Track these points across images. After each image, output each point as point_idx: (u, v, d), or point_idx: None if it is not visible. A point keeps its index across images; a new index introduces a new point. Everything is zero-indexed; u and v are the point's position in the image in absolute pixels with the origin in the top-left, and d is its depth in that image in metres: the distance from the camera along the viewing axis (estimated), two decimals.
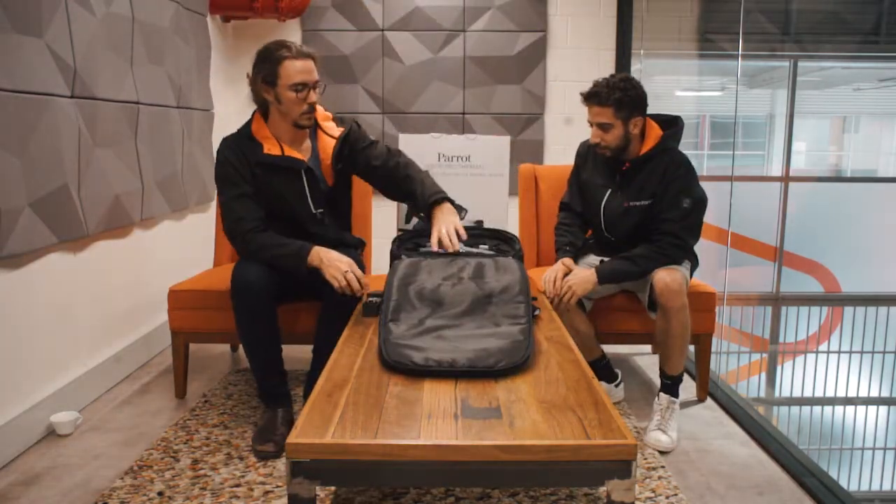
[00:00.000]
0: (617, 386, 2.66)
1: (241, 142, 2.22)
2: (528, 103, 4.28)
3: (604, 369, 2.62)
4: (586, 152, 2.57)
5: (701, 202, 2.36)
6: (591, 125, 2.35)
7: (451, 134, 2.53)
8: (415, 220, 2.43)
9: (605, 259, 2.46)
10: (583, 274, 2.34)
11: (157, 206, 3.07)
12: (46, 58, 2.23)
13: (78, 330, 2.54)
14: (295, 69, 2.13)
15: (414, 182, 2.25)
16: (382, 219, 2.88)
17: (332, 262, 2.09)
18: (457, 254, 2.05)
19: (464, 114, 4.22)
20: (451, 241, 2.07)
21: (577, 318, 2.45)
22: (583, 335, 2.47)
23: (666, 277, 2.27)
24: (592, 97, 2.30)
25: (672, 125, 2.40)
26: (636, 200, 2.38)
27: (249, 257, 2.18)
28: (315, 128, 2.33)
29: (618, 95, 2.26)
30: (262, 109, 2.26)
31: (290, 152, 2.23)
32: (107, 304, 2.73)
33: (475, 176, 2.46)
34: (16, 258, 2.15)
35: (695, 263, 2.51)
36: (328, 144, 2.31)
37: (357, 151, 2.33)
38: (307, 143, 2.32)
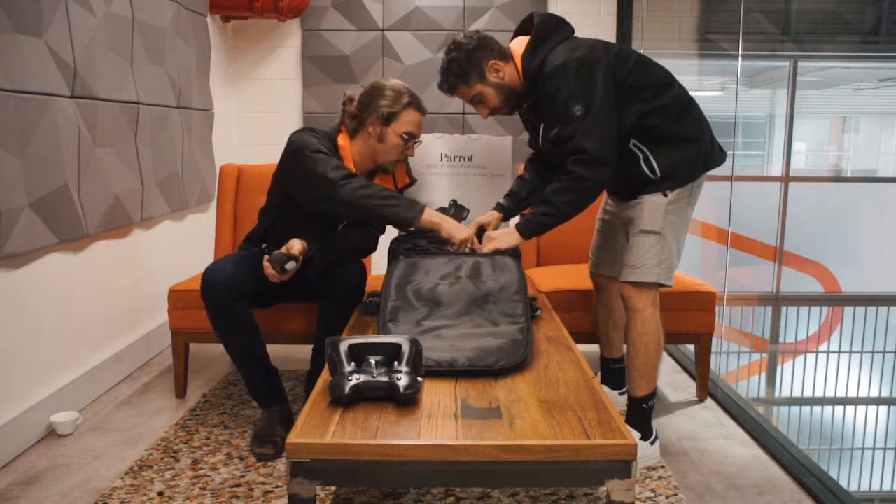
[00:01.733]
0: (622, 394, 2.48)
1: (329, 141, 2.18)
2: None
3: (615, 373, 2.50)
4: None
5: (595, 103, 1.92)
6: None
7: (453, 134, 2.53)
8: None
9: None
10: (508, 235, 2.08)
11: (157, 206, 3.07)
12: (46, 58, 2.23)
13: (78, 330, 2.54)
14: (414, 120, 2.17)
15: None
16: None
17: (452, 225, 2.06)
18: (472, 253, 2.07)
19: (464, 114, 4.22)
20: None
21: (613, 301, 2.35)
22: (613, 322, 2.37)
23: (634, 260, 2.04)
24: (444, 90, 2.12)
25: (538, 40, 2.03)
26: (549, 131, 2.07)
27: (346, 196, 2.01)
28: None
29: (453, 71, 2.05)
30: (351, 131, 2.23)
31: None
32: (107, 304, 2.73)
33: (477, 176, 2.45)
34: (16, 258, 2.15)
35: (679, 177, 2.03)
36: (387, 183, 2.32)
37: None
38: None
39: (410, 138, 2.18)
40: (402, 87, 2.19)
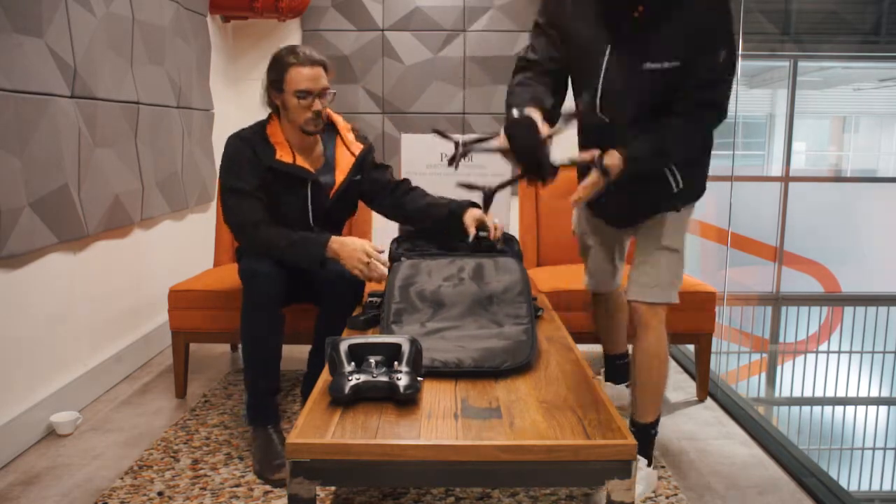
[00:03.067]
0: (629, 386, 2.39)
1: (255, 141, 2.17)
2: None
3: (620, 369, 2.46)
4: None
5: (734, 52, 1.67)
6: None
7: (453, 134, 2.53)
8: None
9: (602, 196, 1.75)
10: (615, 160, 1.66)
11: (157, 206, 3.07)
12: (46, 58, 2.23)
13: (78, 330, 2.54)
14: (301, 76, 2.09)
15: (440, 205, 2.28)
16: (381, 218, 2.88)
17: (351, 254, 2.04)
18: (492, 247, 2.09)
19: (464, 114, 4.22)
20: (496, 229, 2.15)
21: (613, 298, 2.30)
22: (615, 321, 2.34)
23: (651, 279, 1.89)
24: None
25: None
26: (656, 61, 1.64)
27: (257, 251, 2.12)
28: (335, 136, 2.31)
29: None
30: (277, 114, 2.23)
31: (301, 161, 2.19)
32: (107, 304, 2.73)
33: (477, 176, 2.45)
34: (16, 258, 2.15)
35: (695, 190, 1.88)
36: (345, 157, 2.29)
37: (372, 170, 2.34)
38: (319, 150, 2.27)
39: (307, 94, 2.10)
40: (285, 49, 2.15)
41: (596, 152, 1.67)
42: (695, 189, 1.90)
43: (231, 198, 2.15)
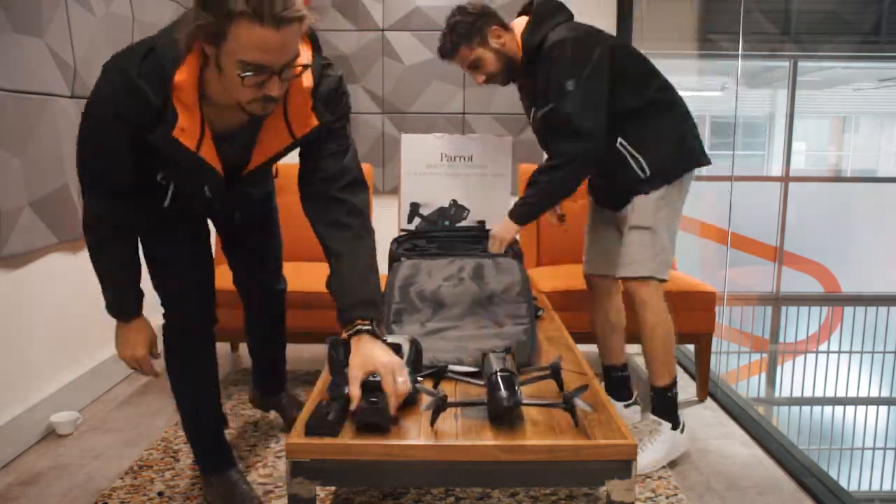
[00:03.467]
0: (628, 406, 2.40)
1: (146, 92, 1.32)
2: None
3: (618, 382, 2.40)
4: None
5: (588, 79, 1.96)
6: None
7: (453, 134, 2.52)
8: (417, 221, 2.43)
9: (598, 182, 2.27)
10: (500, 226, 2.14)
11: None
12: (46, 58, 2.23)
13: (78, 330, 2.54)
14: (252, 40, 1.21)
15: (370, 274, 1.52)
16: (382, 218, 2.88)
17: (124, 346, 1.71)
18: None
19: (464, 114, 4.22)
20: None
21: (609, 303, 2.33)
22: (611, 326, 2.34)
23: (628, 256, 2.07)
24: (446, 54, 2.15)
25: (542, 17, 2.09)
26: (540, 108, 2.08)
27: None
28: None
29: (457, 31, 2.08)
30: (202, 55, 1.35)
31: (208, 148, 1.43)
32: None
33: (477, 176, 2.45)
34: (16, 258, 2.15)
35: (665, 175, 2.06)
36: (276, 136, 1.49)
37: (321, 144, 1.53)
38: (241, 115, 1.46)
39: (259, 70, 1.25)
40: None
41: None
42: (667, 172, 2.07)
43: (89, 172, 1.49)
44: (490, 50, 2.10)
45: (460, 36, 2.09)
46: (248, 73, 1.25)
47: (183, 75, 1.33)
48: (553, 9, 2.12)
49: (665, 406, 2.12)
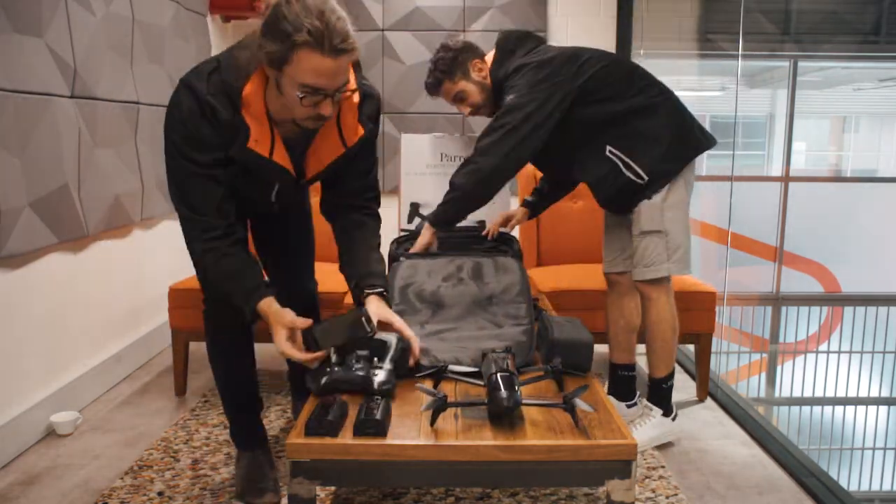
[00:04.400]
0: (630, 406, 2.38)
1: (220, 112, 1.53)
2: None
3: (623, 382, 2.38)
4: None
5: (521, 95, 2.00)
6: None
7: (452, 134, 2.53)
8: (417, 221, 2.42)
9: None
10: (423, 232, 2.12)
11: (157, 206, 3.07)
12: (46, 58, 2.23)
13: (78, 330, 2.54)
14: (313, 67, 1.41)
15: (354, 267, 1.74)
16: (383, 218, 2.88)
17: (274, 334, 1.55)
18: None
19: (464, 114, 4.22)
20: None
21: (627, 301, 2.31)
22: (625, 323, 2.31)
23: (644, 260, 2.11)
24: (431, 90, 2.26)
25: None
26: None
27: (196, 267, 1.73)
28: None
29: (440, 66, 2.20)
30: (265, 74, 1.54)
31: (280, 153, 1.62)
32: (107, 304, 2.73)
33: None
34: (16, 258, 2.15)
35: (663, 177, 2.07)
36: (331, 146, 1.70)
37: (353, 160, 1.76)
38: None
39: (315, 93, 1.45)
40: (301, 7, 1.39)
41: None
42: (665, 173, 2.08)
43: (188, 181, 1.60)
44: (472, 82, 2.18)
45: (443, 72, 2.19)
46: (305, 95, 1.45)
47: (249, 90, 1.53)
48: (515, 39, 2.18)
49: (659, 394, 2.23)
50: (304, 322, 1.53)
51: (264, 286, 1.62)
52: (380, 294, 1.66)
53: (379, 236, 1.85)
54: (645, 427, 2.21)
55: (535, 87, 2.00)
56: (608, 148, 2.06)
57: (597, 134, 2.06)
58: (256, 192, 1.74)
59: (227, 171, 1.62)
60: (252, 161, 1.60)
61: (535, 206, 2.44)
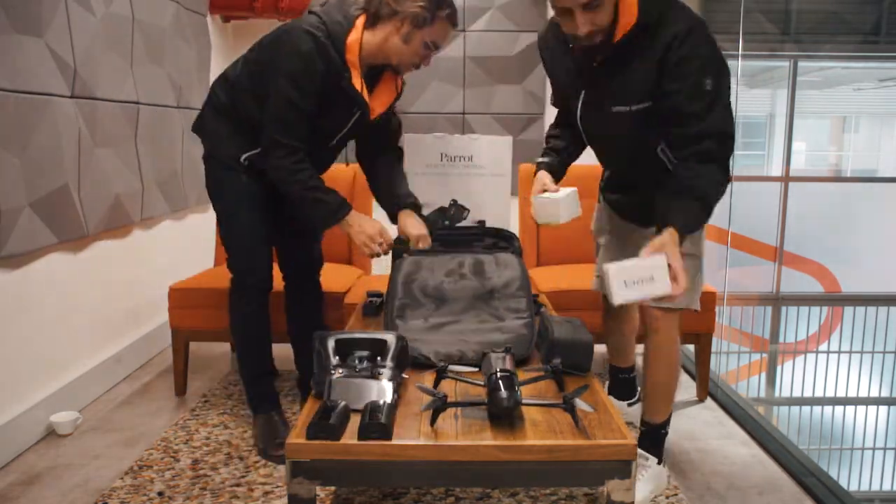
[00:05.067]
0: (632, 405, 2.37)
1: (331, 55, 1.92)
2: (528, 103, 4.28)
3: (625, 383, 2.37)
4: (549, 46, 1.90)
5: (726, 73, 1.66)
6: (572, 24, 1.64)
7: (453, 134, 2.53)
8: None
9: (620, 197, 2.02)
10: (663, 242, 1.58)
11: (157, 206, 3.07)
12: (46, 58, 2.23)
13: (78, 330, 2.54)
14: (445, 32, 1.97)
15: (387, 190, 2.19)
16: (383, 218, 2.89)
17: (359, 234, 2.01)
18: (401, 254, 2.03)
19: (464, 114, 4.22)
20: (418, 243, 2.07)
21: (625, 315, 2.23)
22: (621, 332, 2.27)
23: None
24: None
25: None
26: (623, 104, 1.73)
27: (282, 182, 2.00)
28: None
29: None
30: (372, 18, 1.95)
31: (365, 92, 2.02)
32: (107, 304, 2.73)
33: (477, 176, 2.45)
34: (16, 258, 2.15)
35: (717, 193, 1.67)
36: (388, 90, 2.12)
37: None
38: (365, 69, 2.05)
39: (434, 48, 1.99)
40: None
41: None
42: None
43: (290, 112, 1.94)
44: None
45: None
46: (427, 48, 1.96)
47: (352, 39, 1.94)
48: None
49: (655, 442, 1.99)
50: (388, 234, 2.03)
51: (348, 203, 2.02)
52: (412, 205, 2.13)
53: (403, 168, 2.29)
54: (643, 482, 1.92)
55: (719, 57, 1.65)
56: (661, 146, 1.74)
57: (658, 127, 1.73)
58: (330, 125, 2.07)
59: (314, 109, 1.96)
60: (351, 96, 1.98)
61: (558, 167, 2.00)
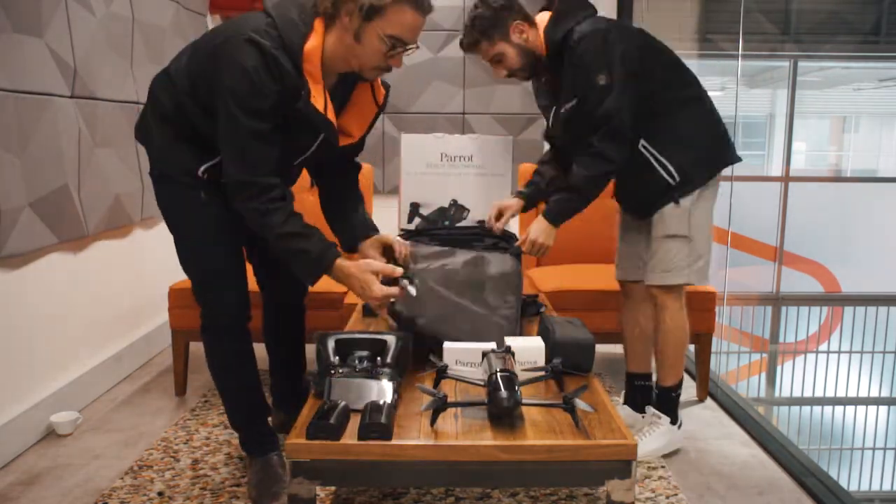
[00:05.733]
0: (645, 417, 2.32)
1: (284, 67, 1.54)
2: (528, 103, 4.27)
3: (640, 392, 2.33)
4: (534, 81, 2.25)
5: (625, 65, 1.92)
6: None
7: (453, 134, 2.52)
8: (417, 220, 2.43)
9: (617, 194, 2.24)
10: (538, 225, 2.05)
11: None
12: (46, 58, 2.23)
13: (78, 330, 2.54)
14: (406, 21, 1.57)
15: (359, 207, 1.92)
16: (382, 218, 2.89)
17: (358, 287, 1.64)
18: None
19: (464, 114, 4.22)
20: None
21: (642, 309, 2.26)
22: (640, 331, 2.28)
23: (663, 264, 2.05)
24: (465, 48, 2.07)
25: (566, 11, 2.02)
26: (563, 105, 2.02)
27: (253, 226, 1.64)
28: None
29: (477, 25, 2.00)
30: (328, 19, 1.60)
31: (330, 110, 1.66)
32: (107, 304, 2.73)
33: (477, 175, 2.45)
34: (16, 258, 2.15)
35: (693, 182, 2.02)
36: (368, 105, 1.81)
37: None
38: (334, 80, 1.74)
39: (397, 44, 1.59)
40: None
41: (523, 237, 2.08)
42: (696, 178, 2.03)
43: (245, 142, 1.57)
44: (512, 45, 2.02)
45: (481, 32, 2.01)
46: (391, 45, 1.57)
47: (310, 46, 1.57)
48: (576, 4, 2.04)
49: (667, 402, 2.18)
50: (394, 269, 1.67)
51: (334, 244, 1.67)
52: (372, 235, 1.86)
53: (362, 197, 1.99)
54: (653, 436, 2.15)
55: (615, 55, 1.92)
56: (641, 142, 2.00)
57: (635, 126, 1.97)
58: (290, 148, 1.71)
59: (277, 131, 1.61)
60: (311, 117, 1.62)
61: (531, 197, 2.26)
